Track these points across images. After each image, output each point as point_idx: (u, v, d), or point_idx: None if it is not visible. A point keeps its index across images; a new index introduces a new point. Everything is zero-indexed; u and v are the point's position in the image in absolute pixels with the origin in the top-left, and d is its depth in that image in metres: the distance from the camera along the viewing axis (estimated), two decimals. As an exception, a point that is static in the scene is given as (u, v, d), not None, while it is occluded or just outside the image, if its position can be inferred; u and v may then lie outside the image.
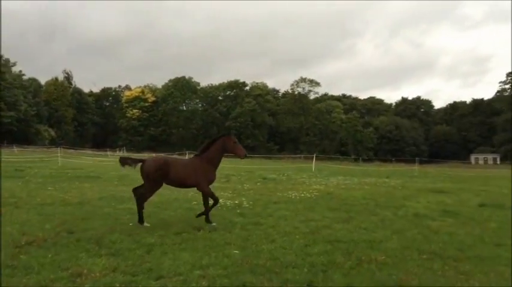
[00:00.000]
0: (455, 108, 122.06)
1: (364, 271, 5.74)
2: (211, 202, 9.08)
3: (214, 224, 8.68)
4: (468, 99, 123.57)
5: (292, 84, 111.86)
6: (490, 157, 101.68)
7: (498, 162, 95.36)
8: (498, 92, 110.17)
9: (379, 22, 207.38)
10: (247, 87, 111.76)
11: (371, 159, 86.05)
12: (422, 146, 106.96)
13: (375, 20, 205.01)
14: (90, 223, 8.51)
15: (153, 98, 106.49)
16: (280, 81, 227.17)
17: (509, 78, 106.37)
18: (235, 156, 9.24)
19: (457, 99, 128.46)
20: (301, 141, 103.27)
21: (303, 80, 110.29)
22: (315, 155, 41.03)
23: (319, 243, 7.28)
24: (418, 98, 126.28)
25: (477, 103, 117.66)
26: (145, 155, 61.23)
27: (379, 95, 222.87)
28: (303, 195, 14.30)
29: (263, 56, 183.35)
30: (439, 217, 10.70)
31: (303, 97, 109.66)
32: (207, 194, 9.00)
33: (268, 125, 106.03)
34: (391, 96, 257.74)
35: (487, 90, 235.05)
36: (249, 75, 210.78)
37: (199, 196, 13.35)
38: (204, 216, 8.97)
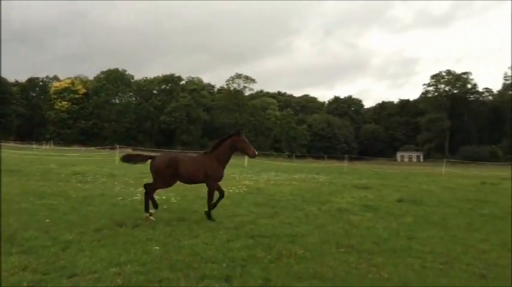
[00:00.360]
0: (383, 108, 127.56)
1: (282, 265, 5.86)
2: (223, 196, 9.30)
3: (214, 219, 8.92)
4: (395, 100, 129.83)
5: (228, 80, 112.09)
6: (414, 154, 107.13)
7: (421, 160, 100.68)
8: (423, 93, 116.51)
9: (315, 22, 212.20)
10: (183, 82, 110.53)
11: (304, 155, 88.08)
12: (353, 144, 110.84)
13: (311, 20, 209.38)
14: (4, 219, 8.05)
15: (83, 90, 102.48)
16: (217, 77, 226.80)
17: (433, 80, 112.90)
18: (245, 155, 9.41)
19: (386, 99, 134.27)
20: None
21: (239, 76, 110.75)
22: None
23: (242, 238, 7.35)
24: (350, 97, 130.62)
25: (403, 103, 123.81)
26: (73, 148, 58.92)
27: (314, 93, 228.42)
28: (231, 191, 14.35)
29: (199, 51, 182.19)
30: (360, 212, 11.14)
31: (238, 93, 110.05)
32: (210, 192, 9.09)
33: (203, 121, 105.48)
34: (325, 94, 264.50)
35: (413, 92, 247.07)
36: (185, 70, 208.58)
37: (126, 191, 13.12)
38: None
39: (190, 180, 9.11)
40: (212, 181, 9.05)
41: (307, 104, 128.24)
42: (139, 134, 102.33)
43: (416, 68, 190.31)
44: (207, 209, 9.15)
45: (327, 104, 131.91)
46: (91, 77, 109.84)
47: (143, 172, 21.51)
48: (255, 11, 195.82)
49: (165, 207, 10.45)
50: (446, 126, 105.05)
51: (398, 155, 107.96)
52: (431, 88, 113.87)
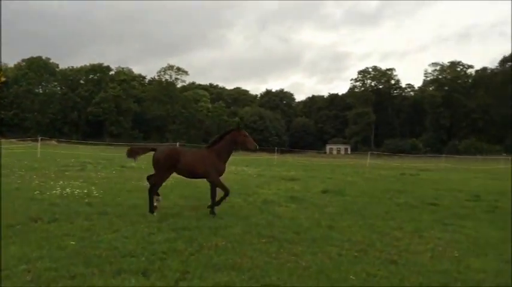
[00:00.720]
0: (313, 101, 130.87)
1: (202, 257, 5.85)
2: (221, 193, 9.25)
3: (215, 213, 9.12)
4: (325, 94, 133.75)
5: (159, 71, 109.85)
6: (342, 147, 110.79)
7: (349, 152, 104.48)
8: (350, 88, 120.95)
9: (249, 15, 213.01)
10: (112, 72, 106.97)
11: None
12: (284, 137, 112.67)
13: (245, 13, 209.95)
14: None
15: (3, 79, 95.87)
16: (148, 68, 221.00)
17: (360, 76, 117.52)
18: (247, 149, 9.83)
19: (316, 94, 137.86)
20: (167, 129, 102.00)
21: (170, 67, 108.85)
22: (178, 144, 40.88)
23: (164, 231, 7.26)
24: (281, 90, 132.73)
25: (332, 98, 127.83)
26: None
27: (246, 86, 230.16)
28: (158, 183, 14.11)
29: (130, 41, 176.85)
30: (285, 203, 11.37)
31: (169, 85, 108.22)
32: (217, 185, 9.27)
33: (133, 112, 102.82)
34: (258, 88, 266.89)
35: (342, 86, 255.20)
36: (114, 60, 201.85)
37: (45, 185, 12.51)
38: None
39: (190, 173, 9.20)
40: (213, 175, 9.20)
41: (239, 96, 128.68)
42: (65, 126, 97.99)
43: (346, 64, 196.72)
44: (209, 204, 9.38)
45: (259, 97, 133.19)
46: (11, 65, 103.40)
47: (66, 165, 20.71)
48: (188, 2, 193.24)
49: (86, 201, 10.09)
50: (371, 120, 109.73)
51: (328, 147, 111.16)
52: (358, 83, 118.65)
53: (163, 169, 8.93)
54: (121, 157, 28.92)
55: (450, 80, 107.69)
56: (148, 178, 9.29)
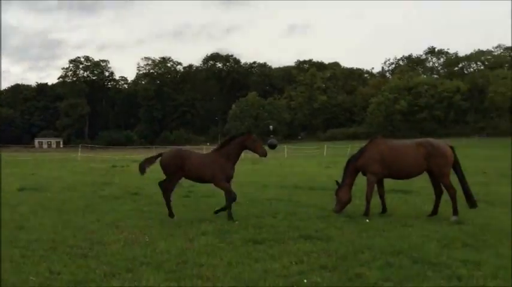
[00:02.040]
0: (19, 91, 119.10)
1: None
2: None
3: (237, 221, 8.42)
4: (33, 83, 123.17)
5: None
6: (53, 140, 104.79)
7: (61, 146, 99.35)
8: (61, 77, 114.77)
9: None
10: None
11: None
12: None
13: None
14: None
15: None
16: None
17: (72, 65, 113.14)
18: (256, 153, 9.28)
19: (23, 82, 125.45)
20: None
21: None
22: None
23: None
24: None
25: (41, 87, 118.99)
26: None
27: None
28: None
29: None
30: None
31: None
32: (222, 189, 8.99)
33: None
34: None
35: (55, 76, 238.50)
36: None
37: None
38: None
39: (197, 177, 9.06)
40: (219, 179, 8.90)
41: None
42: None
43: (59, 52, 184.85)
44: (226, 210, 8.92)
45: None
46: None
47: None
48: None
49: None
50: (85, 112, 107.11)
51: (37, 141, 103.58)
52: (70, 73, 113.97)
53: (168, 173, 8.89)
54: None
55: (161, 75, 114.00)
56: (160, 184, 9.07)
